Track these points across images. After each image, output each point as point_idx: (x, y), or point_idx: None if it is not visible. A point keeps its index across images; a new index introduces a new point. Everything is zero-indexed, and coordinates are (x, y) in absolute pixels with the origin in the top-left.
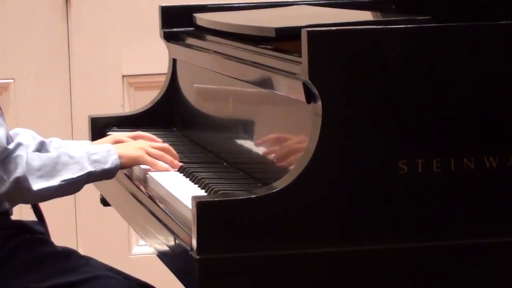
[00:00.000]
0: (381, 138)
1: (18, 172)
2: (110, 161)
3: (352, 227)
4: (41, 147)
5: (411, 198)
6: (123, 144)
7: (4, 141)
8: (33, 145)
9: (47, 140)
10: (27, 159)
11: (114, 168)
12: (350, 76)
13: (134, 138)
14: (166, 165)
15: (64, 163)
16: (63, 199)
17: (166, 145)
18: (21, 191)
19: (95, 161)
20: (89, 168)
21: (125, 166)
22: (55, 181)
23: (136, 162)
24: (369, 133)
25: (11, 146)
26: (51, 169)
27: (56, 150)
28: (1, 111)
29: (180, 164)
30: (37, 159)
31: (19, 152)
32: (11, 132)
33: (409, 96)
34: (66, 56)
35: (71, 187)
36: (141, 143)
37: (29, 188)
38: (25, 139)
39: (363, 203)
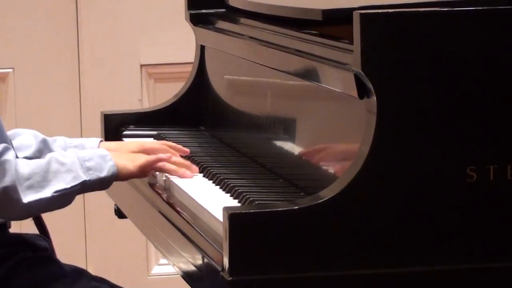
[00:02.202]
0: (446, 140)
1: (6, 181)
2: (107, 168)
3: (411, 245)
4: (44, 147)
5: (481, 210)
6: (116, 153)
7: None
8: (35, 144)
9: (50, 139)
10: (15, 166)
11: (111, 177)
12: (410, 67)
13: (159, 149)
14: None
15: (55, 171)
16: (71, 209)
17: (163, 146)
18: (8, 203)
19: (89, 168)
20: (83, 176)
21: (121, 178)
22: (47, 192)
23: (131, 174)
24: (432, 134)
25: None
26: (41, 179)
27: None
28: None
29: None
30: (25, 166)
31: (7, 156)
32: (10, 133)
33: (481, 90)
34: (74, 41)
35: (63, 199)
36: (136, 155)
37: (18, 200)
38: (26, 140)
39: (424, 216)
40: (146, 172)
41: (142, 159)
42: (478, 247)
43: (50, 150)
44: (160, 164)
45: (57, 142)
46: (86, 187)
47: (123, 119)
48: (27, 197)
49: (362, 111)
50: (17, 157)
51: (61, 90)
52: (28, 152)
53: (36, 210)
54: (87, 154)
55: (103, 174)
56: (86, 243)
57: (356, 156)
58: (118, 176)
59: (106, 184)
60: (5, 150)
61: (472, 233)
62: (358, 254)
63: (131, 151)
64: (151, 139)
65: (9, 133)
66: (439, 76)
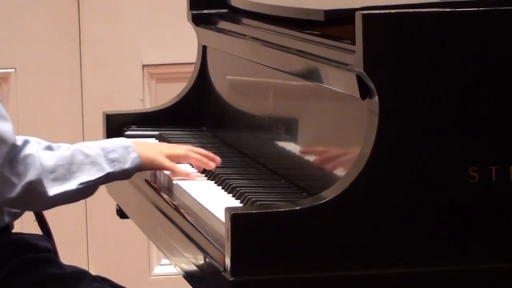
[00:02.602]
0: (448, 140)
1: (31, 175)
2: (130, 160)
3: (413, 245)
4: None
5: (483, 211)
6: (141, 142)
7: (12, 137)
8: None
9: (55, 145)
10: (39, 158)
11: (134, 169)
12: (412, 68)
13: (185, 156)
14: (185, 170)
15: (79, 163)
16: (73, 209)
17: (188, 146)
18: (33, 197)
19: (113, 160)
20: (108, 168)
21: (144, 168)
22: (72, 185)
23: (153, 164)
24: (434, 134)
25: (19, 143)
26: (66, 171)
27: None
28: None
29: (212, 165)
30: (49, 159)
31: (29, 150)
32: None
33: (483, 91)
34: (76, 41)
35: (88, 190)
36: (160, 144)
37: (43, 193)
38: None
39: (427, 217)
40: (171, 160)
41: (166, 148)
42: (480, 248)
43: None
44: (185, 153)
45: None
46: (109, 178)
47: (125, 119)
48: (53, 190)
49: (364, 111)
50: None
51: (63, 90)
52: None
53: (60, 202)
54: (110, 145)
55: (127, 165)
56: (87, 243)
57: (358, 156)
58: (142, 167)
59: (129, 174)
60: (26, 143)
61: (474, 233)
62: (360, 255)
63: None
64: (153, 139)
65: None
66: (441, 77)
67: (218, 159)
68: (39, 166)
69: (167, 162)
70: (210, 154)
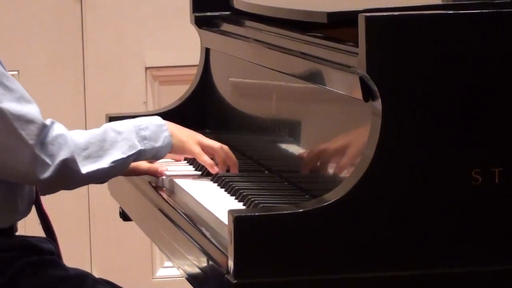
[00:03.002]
0: (451, 142)
1: (64, 153)
2: (162, 139)
3: (416, 247)
4: None
5: (486, 213)
6: (174, 125)
7: (40, 117)
8: None
9: None
10: (70, 137)
11: (166, 148)
12: (415, 70)
13: (215, 149)
14: (211, 161)
15: (112, 140)
16: (76, 212)
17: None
18: (67, 175)
19: (144, 138)
20: (139, 146)
21: (174, 149)
22: (104, 162)
23: (183, 147)
24: (437, 137)
25: (48, 123)
26: (99, 148)
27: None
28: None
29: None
30: (81, 137)
31: (58, 130)
32: None
33: (486, 93)
34: (79, 43)
35: (120, 167)
36: (195, 132)
37: (77, 171)
38: None
39: (430, 219)
40: (202, 149)
41: (200, 136)
42: (484, 250)
43: None
44: (217, 146)
45: None
46: (141, 156)
47: None
48: (86, 168)
49: (367, 113)
50: None
51: (66, 93)
52: None
53: (94, 180)
54: (143, 122)
55: (158, 144)
56: (90, 246)
57: (361, 159)
58: (173, 148)
59: (161, 154)
60: (53, 123)
61: (477, 235)
62: (363, 257)
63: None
64: None
65: None
66: (444, 79)
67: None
68: (71, 144)
69: (196, 148)
70: (235, 160)
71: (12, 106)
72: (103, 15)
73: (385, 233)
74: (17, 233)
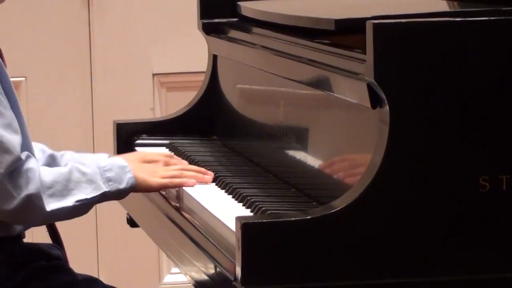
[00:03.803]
0: (459, 150)
1: (31, 189)
2: (125, 180)
3: (425, 254)
4: (52, 162)
5: (493, 221)
6: (138, 163)
7: (17, 150)
8: (42, 159)
9: (58, 154)
10: (39, 173)
11: (129, 189)
12: (423, 77)
13: (167, 163)
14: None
15: (76, 180)
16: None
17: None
18: (32, 210)
19: (109, 179)
20: (104, 188)
21: (138, 190)
22: (68, 201)
23: (150, 188)
24: (445, 144)
25: (23, 157)
26: (63, 188)
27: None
28: (20, 111)
29: (208, 179)
30: (48, 175)
31: (30, 164)
32: None
33: (494, 100)
34: (87, 50)
35: (84, 208)
36: (155, 166)
37: (41, 207)
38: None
39: (437, 226)
40: (165, 187)
41: (162, 172)
42: (491, 257)
43: (58, 165)
44: (178, 180)
45: (65, 156)
46: (105, 197)
47: (135, 128)
48: (50, 205)
49: (375, 121)
50: None
51: (73, 99)
52: None
53: (57, 218)
54: (107, 164)
55: (122, 186)
56: (98, 252)
57: (369, 166)
58: (136, 189)
59: (124, 195)
60: (28, 158)
61: (484, 243)
62: (371, 264)
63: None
64: (164, 148)
65: None
66: (452, 86)
67: (211, 173)
68: (38, 181)
69: (162, 181)
70: (202, 169)
71: None
72: (110, 22)
73: (393, 240)
74: (25, 240)
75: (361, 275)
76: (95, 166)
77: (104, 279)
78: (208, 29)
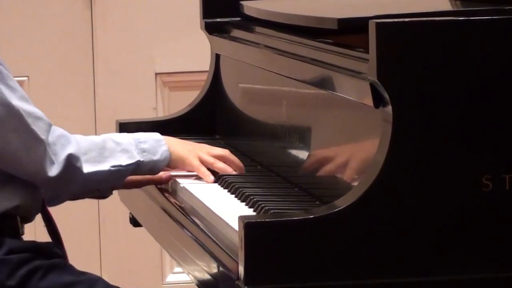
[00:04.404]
0: (462, 149)
1: (69, 149)
2: (160, 152)
3: (428, 254)
4: None
5: (496, 220)
6: (174, 139)
7: (44, 116)
8: None
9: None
10: (73, 137)
11: (163, 161)
12: (426, 76)
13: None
14: (207, 172)
15: (111, 149)
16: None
17: (224, 152)
18: (72, 172)
19: (143, 150)
20: (138, 157)
21: (172, 164)
22: (104, 166)
23: (182, 161)
24: (448, 143)
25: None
26: (98, 154)
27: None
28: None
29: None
30: (82, 142)
31: (59, 132)
32: None
33: (497, 99)
34: (89, 49)
35: (119, 175)
36: (194, 144)
37: (80, 168)
38: None
39: (440, 225)
40: (199, 167)
41: (200, 153)
42: (494, 257)
43: None
44: (220, 165)
45: None
46: (140, 168)
47: (138, 127)
48: (86, 169)
49: (377, 120)
50: None
51: (76, 99)
52: None
53: (93, 183)
54: (142, 136)
55: (156, 157)
56: (100, 251)
57: (372, 165)
58: (170, 163)
59: (158, 168)
60: (55, 126)
61: (488, 242)
62: (374, 263)
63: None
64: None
65: None
66: (455, 85)
67: (242, 166)
68: (75, 143)
69: (195, 162)
70: (238, 163)
71: (21, 104)
72: (113, 21)
73: (396, 239)
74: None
75: (364, 275)
76: (130, 137)
77: (107, 279)
78: (211, 29)
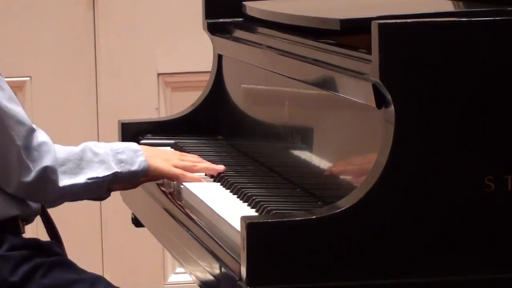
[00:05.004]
0: (464, 149)
1: (47, 161)
2: (137, 163)
3: (429, 254)
4: None
5: (498, 221)
6: (151, 149)
7: (28, 120)
8: None
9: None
10: (54, 147)
11: (141, 171)
12: (428, 77)
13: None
14: (197, 175)
15: (88, 160)
16: (88, 218)
17: (196, 156)
18: (47, 183)
19: (121, 161)
20: (115, 168)
21: (150, 175)
22: (80, 179)
23: (162, 174)
24: (450, 143)
25: (34, 127)
26: (75, 166)
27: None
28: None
29: (221, 168)
30: (61, 152)
31: (43, 137)
32: None
33: (499, 100)
34: (91, 50)
35: (95, 187)
36: (169, 153)
37: (55, 181)
38: None
39: (442, 226)
40: (176, 178)
41: (175, 161)
42: (496, 257)
43: None
44: (190, 176)
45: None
46: (117, 179)
47: (140, 128)
48: (63, 181)
49: (380, 121)
50: None
51: (78, 99)
52: None
53: (69, 196)
54: (120, 146)
55: (134, 167)
56: (102, 251)
57: (374, 166)
58: (148, 173)
59: (136, 178)
60: (39, 131)
61: (490, 243)
62: (376, 264)
63: (167, 152)
64: (169, 148)
65: None
66: (457, 86)
67: (221, 166)
68: (53, 154)
69: (176, 171)
70: (213, 165)
71: (5, 104)
72: (115, 22)
73: (398, 240)
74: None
75: (366, 275)
76: (107, 148)
77: (109, 279)
78: (213, 29)
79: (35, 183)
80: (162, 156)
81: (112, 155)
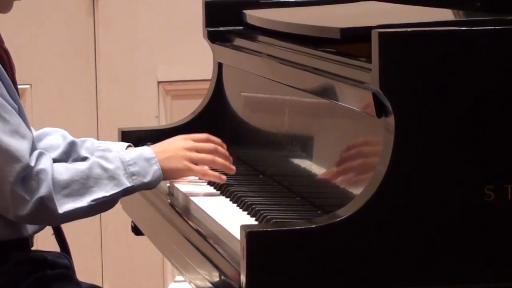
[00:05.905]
0: (464, 159)
1: (42, 191)
2: (151, 173)
3: (428, 264)
4: (71, 149)
5: (498, 231)
6: (164, 152)
7: (26, 156)
8: (62, 146)
9: (78, 140)
10: (52, 173)
11: (156, 181)
12: (428, 86)
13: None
14: (217, 174)
15: (96, 177)
16: (88, 226)
17: (212, 145)
18: (44, 213)
19: (133, 174)
20: (126, 183)
21: (167, 179)
22: (84, 201)
23: (180, 175)
24: (450, 153)
25: (32, 163)
26: (80, 186)
27: (89, 155)
28: (25, 115)
29: (233, 169)
30: (65, 173)
31: (42, 165)
32: (39, 132)
33: (499, 109)
34: (92, 58)
35: (103, 206)
36: (180, 146)
37: (54, 209)
38: (54, 140)
39: (442, 236)
40: (196, 173)
41: (191, 154)
42: (496, 267)
43: (77, 153)
44: (211, 173)
45: (86, 144)
46: (128, 192)
47: (140, 135)
48: (63, 207)
49: (380, 129)
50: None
51: (79, 107)
52: (55, 154)
53: (74, 218)
54: (132, 157)
55: (147, 179)
56: (102, 260)
57: (374, 174)
58: (163, 178)
59: (152, 186)
60: (40, 156)
61: (489, 252)
62: (375, 273)
63: (182, 147)
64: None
65: (38, 132)
66: (457, 95)
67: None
68: (50, 182)
69: (194, 168)
70: (230, 159)
71: (4, 138)
72: (115, 30)
73: (398, 249)
74: (33, 248)
75: (366, 284)
76: (118, 161)
77: (109, 287)
78: (214, 37)
79: (32, 215)
80: (176, 153)
81: (123, 168)
